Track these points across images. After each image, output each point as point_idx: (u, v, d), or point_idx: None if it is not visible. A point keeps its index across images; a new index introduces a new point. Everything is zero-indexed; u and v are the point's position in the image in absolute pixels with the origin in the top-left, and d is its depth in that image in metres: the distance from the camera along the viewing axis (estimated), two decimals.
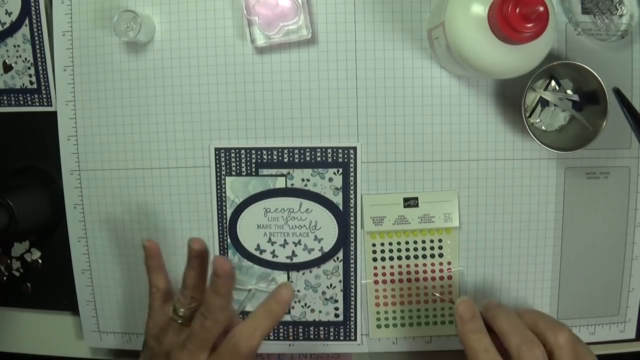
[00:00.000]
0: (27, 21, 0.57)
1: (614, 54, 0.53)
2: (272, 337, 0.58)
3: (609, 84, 0.49)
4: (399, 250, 0.56)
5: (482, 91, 0.54)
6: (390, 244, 0.55)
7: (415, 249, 0.55)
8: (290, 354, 0.59)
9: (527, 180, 0.55)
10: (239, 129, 0.55)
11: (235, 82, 0.55)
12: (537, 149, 0.54)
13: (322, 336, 0.57)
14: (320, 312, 0.57)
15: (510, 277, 0.56)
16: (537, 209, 0.55)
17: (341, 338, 0.58)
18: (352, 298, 0.57)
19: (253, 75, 0.55)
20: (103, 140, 0.57)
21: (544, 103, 0.53)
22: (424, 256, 0.56)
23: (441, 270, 0.56)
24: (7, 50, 0.58)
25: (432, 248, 0.55)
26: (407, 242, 0.55)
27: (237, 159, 0.56)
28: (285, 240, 0.56)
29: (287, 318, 0.57)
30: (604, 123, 0.49)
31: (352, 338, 0.57)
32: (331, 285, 0.57)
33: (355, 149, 0.55)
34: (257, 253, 0.57)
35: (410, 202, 0.55)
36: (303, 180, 0.55)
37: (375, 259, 0.56)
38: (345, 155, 0.55)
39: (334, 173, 0.55)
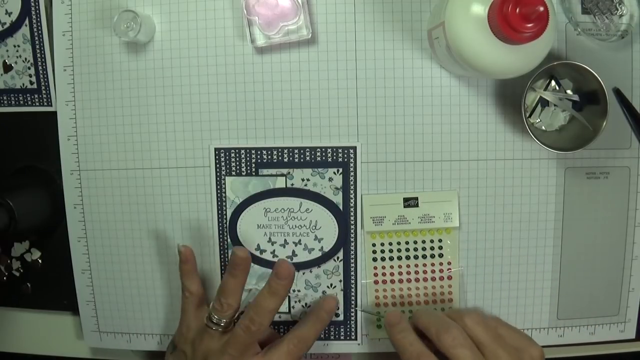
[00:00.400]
0: (27, 21, 0.57)
1: (614, 54, 0.53)
2: None
3: (609, 84, 0.49)
4: (399, 250, 0.56)
5: (482, 91, 0.54)
6: (390, 244, 0.55)
7: (415, 249, 0.55)
8: None
9: (527, 180, 0.55)
10: (239, 129, 0.55)
11: (235, 82, 0.55)
12: (537, 149, 0.54)
13: (322, 336, 0.57)
14: None
15: (510, 277, 0.56)
16: (537, 209, 0.55)
17: (341, 338, 0.58)
18: (353, 298, 0.57)
19: (253, 75, 0.55)
20: (103, 140, 0.57)
21: (544, 103, 0.53)
22: (424, 256, 0.56)
23: (441, 271, 0.56)
24: (7, 50, 0.58)
25: (432, 248, 0.55)
26: (407, 242, 0.55)
27: (237, 159, 0.56)
28: (285, 240, 0.56)
29: (288, 318, 0.57)
30: (604, 123, 0.49)
31: (352, 338, 0.57)
32: (331, 285, 0.57)
33: (355, 148, 0.55)
34: (257, 253, 0.57)
35: (410, 202, 0.55)
36: (303, 180, 0.55)
37: (375, 259, 0.56)
38: (345, 155, 0.55)
39: (334, 173, 0.55)
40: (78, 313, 0.60)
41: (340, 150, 0.55)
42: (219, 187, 0.56)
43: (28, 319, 0.62)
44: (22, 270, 0.61)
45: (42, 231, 0.59)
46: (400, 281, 0.56)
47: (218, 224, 0.57)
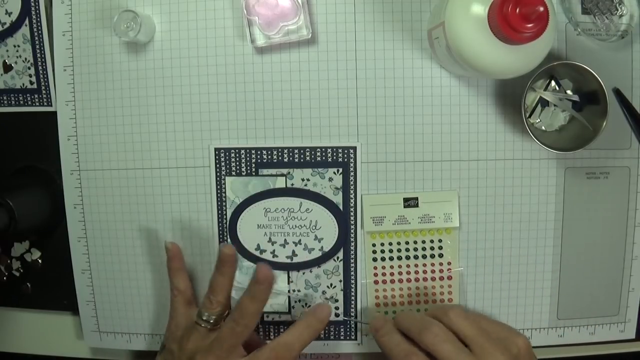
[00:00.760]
0: (27, 21, 0.57)
1: (614, 54, 0.53)
2: (272, 337, 0.58)
3: (609, 84, 0.49)
4: (399, 250, 0.56)
5: (482, 91, 0.54)
6: (390, 244, 0.55)
7: (415, 249, 0.55)
8: None
9: (527, 180, 0.55)
10: (239, 129, 0.55)
11: (235, 82, 0.55)
12: (537, 149, 0.54)
13: (322, 336, 0.57)
14: None
15: (510, 277, 0.56)
16: (537, 209, 0.55)
17: (341, 338, 0.58)
18: (353, 298, 0.57)
19: (253, 75, 0.55)
20: (103, 140, 0.57)
21: (544, 103, 0.53)
22: (424, 256, 0.56)
23: (441, 271, 0.56)
24: (7, 50, 0.58)
25: (432, 248, 0.55)
26: (407, 242, 0.55)
27: (237, 159, 0.56)
28: (285, 240, 0.56)
29: (287, 318, 0.57)
30: (604, 123, 0.49)
31: (352, 338, 0.57)
32: (331, 285, 0.57)
33: (355, 148, 0.55)
34: (257, 253, 0.57)
35: (410, 202, 0.55)
36: (303, 180, 0.55)
37: (375, 259, 0.56)
38: (345, 155, 0.55)
39: (334, 173, 0.55)
40: (78, 313, 0.60)
41: (340, 150, 0.55)
42: (219, 187, 0.56)
43: (28, 319, 0.62)
44: (22, 270, 0.61)
45: (42, 231, 0.59)
46: (400, 281, 0.56)
47: (218, 224, 0.57)
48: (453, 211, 0.54)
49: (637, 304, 0.56)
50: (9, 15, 0.57)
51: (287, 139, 0.55)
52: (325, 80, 0.54)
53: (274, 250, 0.56)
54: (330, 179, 0.55)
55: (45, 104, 0.58)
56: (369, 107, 0.54)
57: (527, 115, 0.53)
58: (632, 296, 0.56)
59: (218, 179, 0.56)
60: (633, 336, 0.57)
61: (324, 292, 0.57)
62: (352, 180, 0.55)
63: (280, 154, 0.55)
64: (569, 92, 0.53)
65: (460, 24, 0.42)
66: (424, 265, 0.56)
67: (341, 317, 0.56)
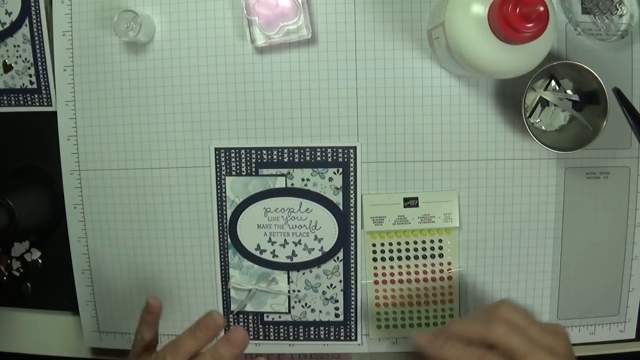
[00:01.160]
0: (27, 21, 0.57)
1: (614, 54, 0.53)
2: (272, 337, 0.58)
3: (609, 84, 0.49)
4: (399, 250, 0.56)
5: (482, 91, 0.54)
6: (390, 244, 0.55)
7: (416, 249, 0.55)
8: (290, 354, 0.59)
9: (527, 180, 0.55)
10: (239, 129, 0.55)
11: (235, 82, 0.55)
12: (537, 149, 0.54)
13: (322, 336, 0.57)
14: (320, 312, 0.57)
15: (510, 277, 0.56)
16: (537, 209, 0.55)
17: (341, 338, 0.58)
18: (353, 298, 0.57)
19: (253, 75, 0.55)
20: (103, 140, 0.57)
21: (544, 103, 0.53)
22: (424, 256, 0.56)
23: (441, 271, 0.56)
24: (7, 50, 0.58)
25: (432, 248, 0.55)
26: (407, 242, 0.55)
27: (237, 159, 0.56)
28: (285, 240, 0.56)
29: (287, 318, 0.57)
30: (604, 123, 0.49)
31: (353, 338, 0.57)
32: (331, 285, 0.57)
33: (355, 148, 0.55)
34: (257, 253, 0.57)
35: (410, 202, 0.54)
36: (303, 180, 0.55)
37: (375, 259, 0.56)
38: (345, 155, 0.55)
39: (334, 173, 0.55)
40: (78, 313, 0.60)
41: (340, 150, 0.55)
42: (219, 187, 0.56)
43: (28, 319, 0.62)
44: (22, 270, 0.61)
45: (42, 231, 0.59)
46: (401, 281, 0.56)
47: (218, 224, 0.57)
48: (453, 211, 0.54)
49: (637, 304, 0.56)
50: (9, 15, 0.57)
51: (287, 139, 0.55)
52: (325, 80, 0.54)
53: (274, 250, 0.56)
54: (330, 179, 0.55)
55: (45, 104, 0.58)
56: (369, 107, 0.54)
57: (527, 115, 0.53)
58: (632, 296, 0.56)
59: (218, 179, 0.56)
60: (633, 336, 0.57)
61: (324, 293, 0.57)
62: (352, 180, 0.55)
63: (280, 154, 0.55)
64: (569, 92, 0.53)
65: (460, 24, 0.42)
66: (424, 265, 0.56)
67: None
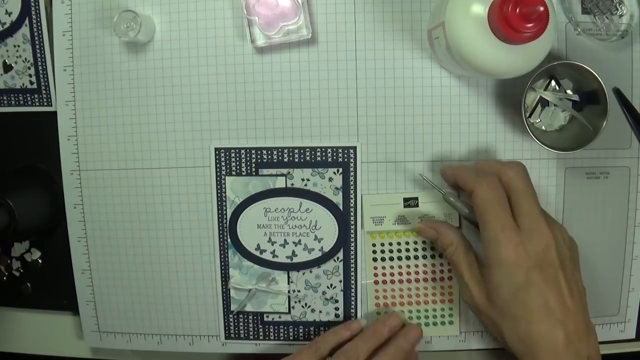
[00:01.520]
0: (27, 21, 0.57)
1: (614, 54, 0.53)
2: (272, 337, 0.58)
3: (609, 84, 0.49)
4: (399, 250, 0.55)
5: (482, 91, 0.54)
6: (390, 244, 0.55)
7: (416, 249, 0.55)
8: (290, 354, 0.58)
9: None
10: (239, 129, 0.55)
11: (235, 82, 0.55)
12: (537, 149, 0.54)
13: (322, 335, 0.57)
14: (320, 312, 0.57)
15: None
16: None
17: None
18: (353, 298, 0.57)
19: (253, 75, 0.55)
20: (103, 140, 0.57)
21: (544, 103, 0.53)
22: (424, 257, 0.56)
23: (442, 272, 0.56)
24: (7, 50, 0.58)
25: (432, 248, 0.55)
26: (407, 242, 0.55)
27: (237, 159, 0.56)
28: (285, 240, 0.56)
29: (287, 318, 0.57)
30: (604, 123, 0.49)
31: None
32: (331, 285, 0.57)
33: (355, 148, 0.55)
34: (257, 253, 0.57)
35: (410, 202, 0.54)
36: (303, 180, 0.55)
37: (375, 259, 0.56)
38: (345, 155, 0.55)
39: (334, 173, 0.55)
40: (78, 313, 0.60)
41: (340, 150, 0.55)
42: (219, 187, 0.56)
43: (28, 319, 0.62)
44: (22, 270, 0.61)
45: (42, 231, 0.59)
46: (401, 281, 0.56)
47: (218, 224, 0.57)
48: (453, 211, 0.54)
49: (637, 304, 0.56)
50: (9, 15, 0.57)
51: (287, 139, 0.55)
52: (325, 80, 0.54)
53: (273, 250, 0.56)
54: (330, 179, 0.55)
55: (45, 104, 0.58)
56: (369, 107, 0.54)
57: (527, 115, 0.53)
58: (632, 296, 0.56)
59: (218, 178, 0.56)
60: (633, 336, 0.57)
61: (324, 293, 0.57)
62: (352, 180, 0.55)
63: (280, 154, 0.55)
64: (569, 92, 0.53)
65: (460, 24, 0.42)
66: (425, 265, 0.56)
67: (422, 175, 0.54)
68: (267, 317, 0.58)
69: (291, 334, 0.58)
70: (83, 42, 0.56)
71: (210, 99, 0.55)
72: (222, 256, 0.57)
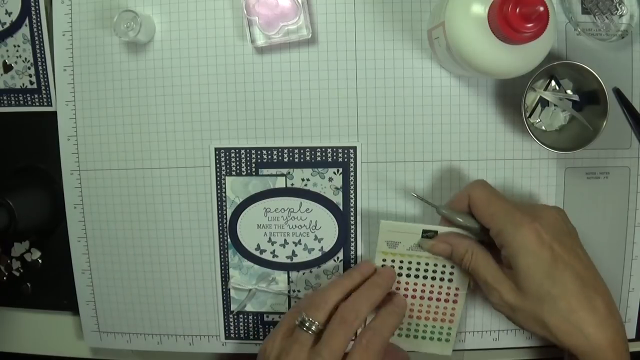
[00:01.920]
0: (27, 21, 0.57)
1: (614, 54, 0.53)
2: None
3: (609, 84, 0.49)
4: (409, 268, 0.53)
5: (482, 91, 0.54)
6: (401, 261, 0.52)
7: (426, 270, 0.52)
8: None
9: (527, 180, 0.55)
10: (239, 129, 0.55)
11: (235, 82, 0.55)
12: (537, 149, 0.54)
13: None
14: None
15: None
16: None
17: None
18: None
19: (253, 75, 0.55)
20: (103, 140, 0.57)
21: (544, 103, 0.53)
22: (433, 278, 0.53)
23: (447, 294, 0.53)
24: (7, 50, 0.58)
25: (442, 272, 0.52)
26: (418, 263, 0.52)
27: (237, 159, 0.56)
28: (285, 240, 0.56)
29: None
30: (604, 123, 0.49)
31: (352, 338, 0.57)
32: None
33: (355, 148, 0.55)
34: (257, 253, 0.57)
35: (429, 234, 0.51)
36: (303, 180, 0.55)
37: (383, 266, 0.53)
38: (345, 155, 0.55)
39: (334, 173, 0.55)
40: (78, 313, 0.60)
41: (340, 150, 0.55)
42: (219, 187, 0.56)
43: (28, 319, 0.62)
44: (22, 270, 0.61)
45: (42, 231, 0.59)
46: (405, 296, 0.53)
47: (218, 224, 0.57)
48: None
49: (637, 304, 0.56)
50: (9, 15, 0.57)
51: (287, 139, 0.55)
52: (325, 80, 0.54)
53: (273, 250, 0.56)
54: (330, 179, 0.55)
55: (45, 104, 0.58)
56: (369, 107, 0.54)
57: (527, 115, 0.53)
58: (632, 296, 0.56)
59: (218, 179, 0.56)
60: (633, 336, 0.57)
61: None
62: (352, 180, 0.55)
63: (280, 154, 0.55)
64: (569, 92, 0.53)
65: (460, 24, 0.42)
66: (432, 286, 0.53)
67: (413, 193, 0.53)
68: (267, 317, 0.58)
69: None
70: (83, 42, 0.56)
71: (210, 99, 0.55)
72: (222, 256, 0.57)
